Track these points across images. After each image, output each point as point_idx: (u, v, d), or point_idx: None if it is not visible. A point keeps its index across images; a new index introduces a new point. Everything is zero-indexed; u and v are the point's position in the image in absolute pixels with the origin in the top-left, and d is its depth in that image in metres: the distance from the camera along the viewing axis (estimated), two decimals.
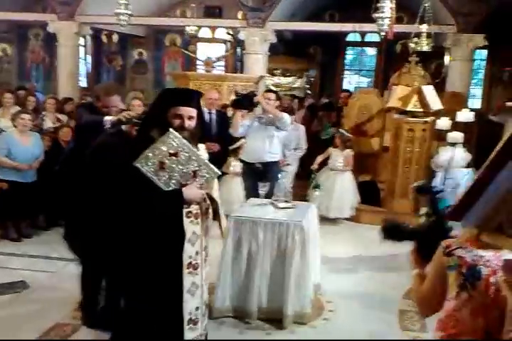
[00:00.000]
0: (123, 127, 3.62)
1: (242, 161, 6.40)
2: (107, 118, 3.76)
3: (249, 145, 6.15)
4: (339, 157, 7.17)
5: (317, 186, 6.52)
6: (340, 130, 7.40)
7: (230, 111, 7.24)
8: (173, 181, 2.86)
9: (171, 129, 2.84)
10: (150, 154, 2.81)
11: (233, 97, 6.00)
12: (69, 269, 5.15)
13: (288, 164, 6.99)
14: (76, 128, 4.33)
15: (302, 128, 7.63)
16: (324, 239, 5.03)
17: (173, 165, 2.84)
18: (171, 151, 2.82)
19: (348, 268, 5.53)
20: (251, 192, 5.47)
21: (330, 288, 4.78)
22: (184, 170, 2.87)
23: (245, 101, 5.78)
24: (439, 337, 1.95)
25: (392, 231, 2.48)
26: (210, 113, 6.88)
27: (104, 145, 3.54)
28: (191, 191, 2.87)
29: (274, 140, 6.02)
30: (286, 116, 5.94)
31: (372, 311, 4.43)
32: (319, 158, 7.23)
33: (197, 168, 2.89)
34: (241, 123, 5.93)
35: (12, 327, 3.96)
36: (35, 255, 5.53)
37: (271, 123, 5.92)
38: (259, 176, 5.51)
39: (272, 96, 6.02)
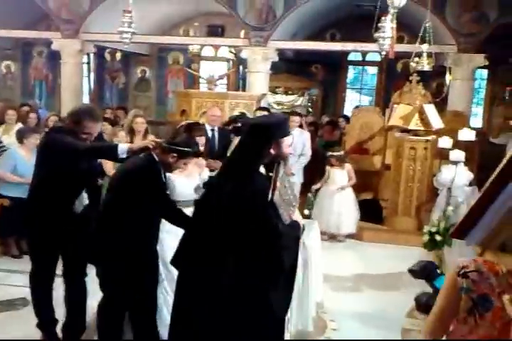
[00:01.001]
0: (154, 154, 3.36)
1: None
2: (123, 145, 3.48)
3: None
4: (339, 175, 7.12)
5: (309, 204, 6.46)
6: (329, 153, 7.20)
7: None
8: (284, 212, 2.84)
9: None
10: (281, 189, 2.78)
11: (234, 123, 6.01)
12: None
13: (293, 174, 6.84)
14: (71, 155, 3.62)
15: (307, 133, 7.40)
16: (326, 257, 5.01)
17: (287, 197, 2.86)
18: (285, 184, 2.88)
19: (351, 286, 5.50)
20: None
21: (332, 307, 4.75)
22: (286, 200, 2.88)
23: (234, 128, 5.80)
24: None
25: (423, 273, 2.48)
26: (212, 130, 6.91)
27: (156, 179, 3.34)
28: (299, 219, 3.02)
29: None
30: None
31: (375, 330, 4.40)
32: (318, 184, 7.16)
33: (292, 197, 2.93)
34: None
35: None
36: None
37: None
38: None
39: (265, 114, 6.09)
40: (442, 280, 2.20)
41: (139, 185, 3.27)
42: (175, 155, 3.34)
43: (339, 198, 7.08)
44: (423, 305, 2.30)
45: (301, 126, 7.97)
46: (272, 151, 2.83)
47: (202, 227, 2.88)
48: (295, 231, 2.91)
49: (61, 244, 3.77)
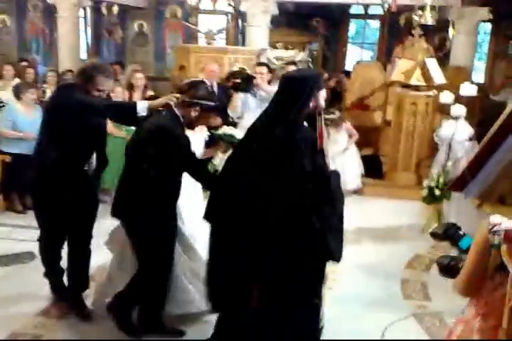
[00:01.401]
0: (176, 110, 3.30)
1: None
2: (142, 103, 3.40)
3: (249, 123, 6.10)
4: (339, 137, 7.02)
5: None
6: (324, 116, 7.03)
7: None
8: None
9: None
10: None
11: (232, 79, 5.92)
12: None
13: None
14: (89, 113, 3.52)
15: None
16: None
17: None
18: None
19: (352, 238, 5.57)
20: None
21: None
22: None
23: (245, 84, 5.72)
24: (470, 312, 1.93)
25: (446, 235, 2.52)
26: (211, 85, 6.85)
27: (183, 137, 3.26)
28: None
29: None
30: None
31: (375, 280, 4.52)
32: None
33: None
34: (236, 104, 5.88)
35: (18, 297, 4.06)
36: None
37: (267, 99, 5.90)
38: None
39: (264, 69, 6.00)
40: (466, 241, 2.23)
41: (169, 143, 3.21)
42: (197, 109, 3.30)
43: (341, 157, 7.05)
44: (445, 267, 2.36)
45: None
46: (312, 103, 2.95)
47: (240, 176, 2.93)
48: (338, 179, 3.02)
49: (73, 208, 3.67)
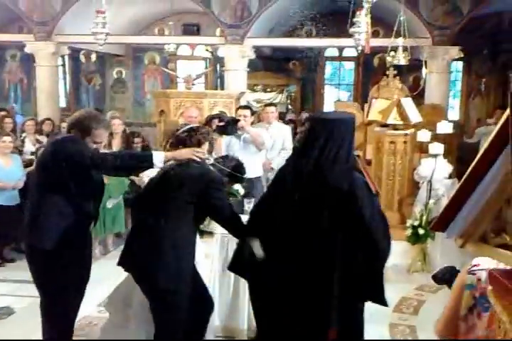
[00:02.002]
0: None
1: None
2: (158, 154, 3.22)
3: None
4: None
5: None
6: None
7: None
8: None
9: None
10: None
11: (216, 123, 5.91)
12: None
13: (272, 168, 6.75)
14: (97, 169, 3.32)
15: (287, 128, 7.18)
16: None
17: None
18: None
19: None
20: (237, 209, 5.43)
21: None
22: None
23: (230, 127, 5.71)
24: None
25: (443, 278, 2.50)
26: None
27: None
28: None
29: (256, 156, 6.01)
30: (266, 141, 5.96)
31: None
32: None
33: None
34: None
35: None
36: (19, 280, 5.38)
37: (250, 142, 5.92)
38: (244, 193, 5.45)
39: (248, 112, 6.03)
40: None
41: (223, 191, 3.27)
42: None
43: None
44: (440, 278, 2.39)
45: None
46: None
47: (281, 227, 2.83)
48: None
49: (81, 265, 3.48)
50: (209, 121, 7.15)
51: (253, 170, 6.01)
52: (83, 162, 3.18)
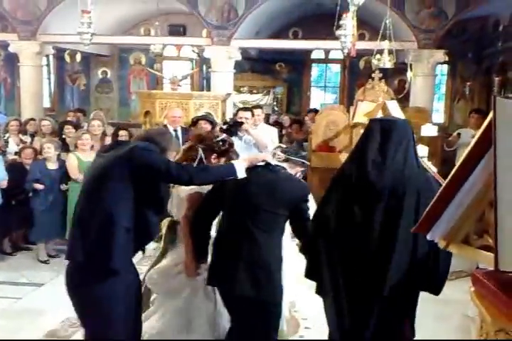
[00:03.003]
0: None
1: None
2: (239, 163, 3.10)
3: None
4: None
5: None
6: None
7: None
8: None
9: None
10: None
11: (222, 126, 5.89)
12: (36, 294, 5.04)
13: None
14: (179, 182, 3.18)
15: (274, 130, 7.07)
16: (299, 255, 4.99)
17: None
18: None
19: None
20: None
21: (305, 305, 4.73)
22: None
23: (234, 130, 5.66)
24: None
25: None
26: (175, 131, 6.86)
27: None
28: None
29: None
30: (269, 144, 5.95)
31: None
32: None
33: None
34: None
35: None
36: (2, 281, 5.36)
37: (251, 143, 5.90)
38: None
39: (248, 114, 6.03)
40: None
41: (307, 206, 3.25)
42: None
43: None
44: None
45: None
46: None
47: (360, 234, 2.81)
48: None
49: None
50: (195, 122, 7.15)
51: None
52: (165, 173, 2.90)
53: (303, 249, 3.26)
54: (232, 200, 3.18)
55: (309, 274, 3.12)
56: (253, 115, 6.25)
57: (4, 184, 5.80)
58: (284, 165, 3.56)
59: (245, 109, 6.65)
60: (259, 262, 3.10)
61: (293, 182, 3.29)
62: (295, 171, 3.72)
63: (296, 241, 4.46)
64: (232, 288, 3.09)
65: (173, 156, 3.23)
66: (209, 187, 3.29)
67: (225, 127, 5.64)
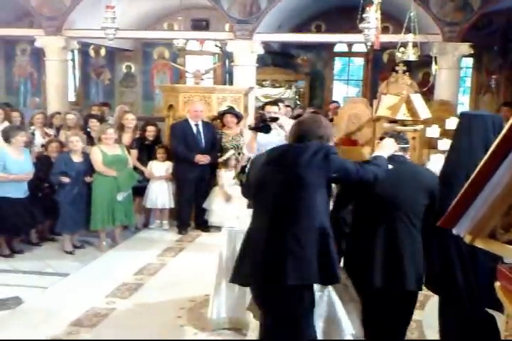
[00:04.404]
0: None
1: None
2: (381, 157, 3.16)
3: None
4: None
5: None
6: None
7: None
8: None
9: None
10: None
11: (254, 120, 5.79)
12: (62, 284, 5.14)
13: None
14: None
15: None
16: None
17: None
18: None
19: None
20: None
21: None
22: None
23: (266, 126, 5.55)
24: None
25: None
26: (196, 125, 6.90)
27: None
28: None
29: None
30: None
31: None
32: None
33: None
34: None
35: None
36: (28, 271, 5.48)
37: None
38: None
39: (276, 109, 6.02)
40: None
41: None
42: None
43: None
44: None
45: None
46: None
47: None
48: None
49: None
50: (221, 115, 7.16)
51: None
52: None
53: None
54: (370, 192, 3.15)
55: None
56: (279, 109, 6.24)
57: (30, 176, 5.91)
58: None
59: (272, 103, 6.60)
60: (400, 253, 3.11)
61: (425, 170, 3.31)
62: None
63: None
64: (369, 279, 3.14)
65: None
66: None
67: (261, 125, 5.51)
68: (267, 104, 6.54)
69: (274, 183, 2.89)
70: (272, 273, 2.82)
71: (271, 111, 5.94)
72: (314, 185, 2.84)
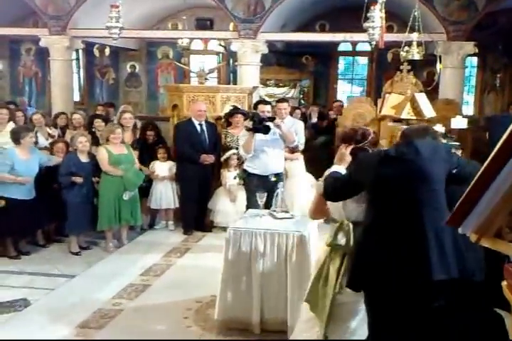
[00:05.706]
0: None
1: (252, 174, 5.96)
2: None
3: (262, 158, 5.87)
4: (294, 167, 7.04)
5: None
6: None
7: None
8: None
9: None
10: None
11: (250, 121, 5.77)
12: (69, 286, 5.16)
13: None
14: None
15: (300, 123, 6.83)
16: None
17: None
18: None
19: None
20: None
21: None
22: None
23: (264, 127, 5.54)
24: None
25: None
26: (200, 124, 6.90)
27: None
28: None
29: (282, 151, 6.09)
30: (297, 139, 6.07)
31: None
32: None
33: None
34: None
35: None
36: (35, 272, 5.47)
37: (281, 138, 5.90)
38: (272, 188, 5.26)
39: (269, 108, 6.03)
40: None
41: None
42: None
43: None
44: None
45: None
46: None
47: None
48: None
49: None
50: (231, 115, 7.13)
51: (281, 164, 6.04)
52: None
53: None
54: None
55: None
56: (272, 107, 6.23)
57: (29, 180, 5.83)
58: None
59: (265, 102, 6.59)
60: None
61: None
62: None
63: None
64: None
65: None
66: None
67: (258, 126, 5.49)
68: (259, 102, 6.50)
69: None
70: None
71: (264, 110, 5.94)
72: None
